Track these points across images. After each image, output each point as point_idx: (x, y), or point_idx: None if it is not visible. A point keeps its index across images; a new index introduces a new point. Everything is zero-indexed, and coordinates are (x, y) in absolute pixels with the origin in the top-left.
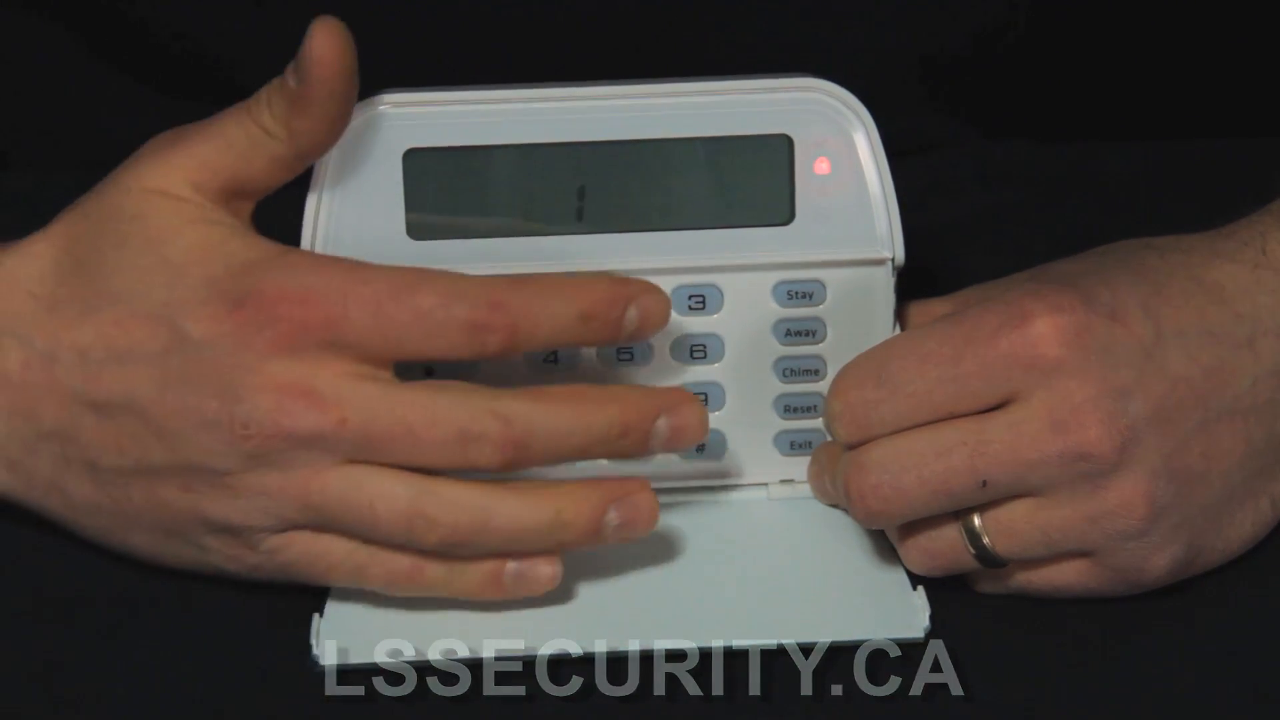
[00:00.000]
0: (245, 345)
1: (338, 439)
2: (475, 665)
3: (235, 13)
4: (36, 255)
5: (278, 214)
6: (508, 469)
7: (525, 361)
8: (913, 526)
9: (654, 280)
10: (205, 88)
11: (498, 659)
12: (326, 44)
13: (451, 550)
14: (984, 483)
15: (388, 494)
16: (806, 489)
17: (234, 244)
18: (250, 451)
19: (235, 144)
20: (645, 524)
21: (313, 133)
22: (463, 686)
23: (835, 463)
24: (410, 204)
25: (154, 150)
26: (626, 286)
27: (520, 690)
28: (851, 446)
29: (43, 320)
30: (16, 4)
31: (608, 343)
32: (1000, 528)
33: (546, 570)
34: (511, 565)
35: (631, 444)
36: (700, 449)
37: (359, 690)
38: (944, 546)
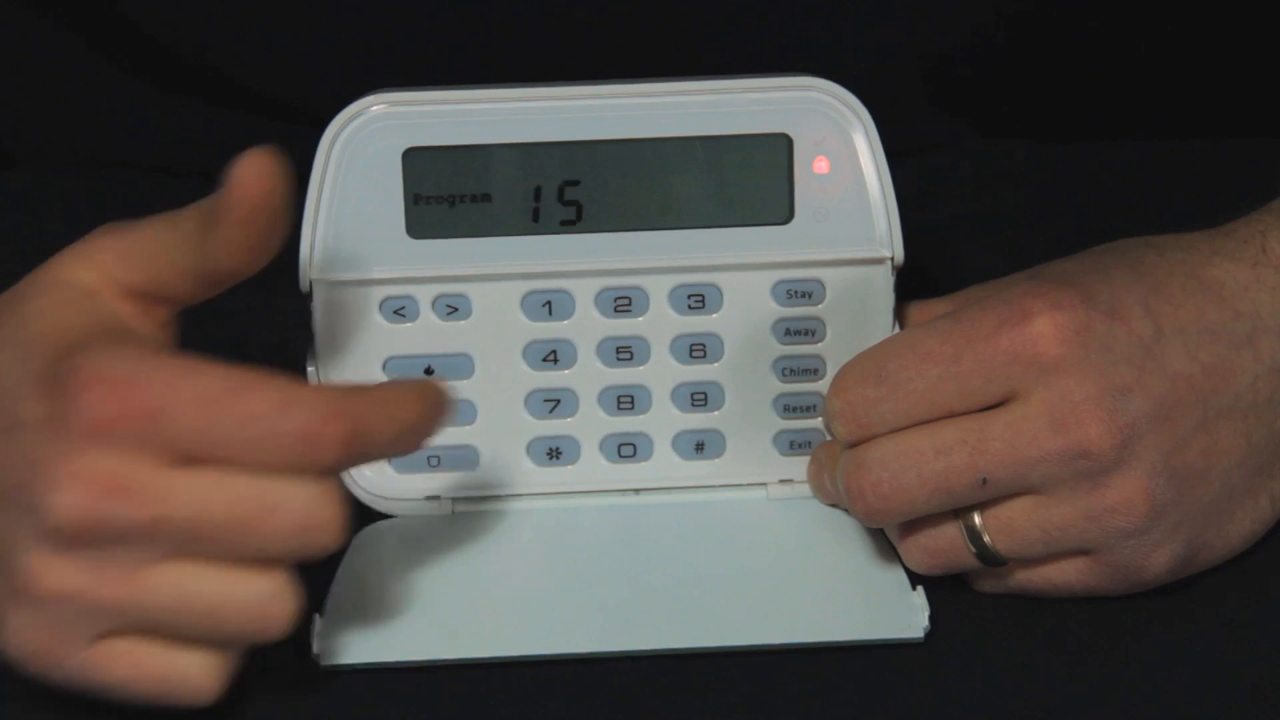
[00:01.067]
0: (63, 430)
1: (155, 535)
2: (475, 666)
3: (238, 12)
4: None
5: None
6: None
7: (526, 361)
8: (913, 525)
9: (653, 280)
10: (207, 87)
11: (497, 660)
12: (252, 174)
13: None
14: (984, 480)
15: (230, 593)
16: (806, 489)
17: (80, 330)
18: (60, 546)
19: (153, 245)
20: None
21: (220, 257)
22: (462, 687)
23: (835, 461)
24: (410, 202)
25: (86, 239)
26: (439, 393)
27: (519, 691)
28: (851, 445)
29: None
30: (17, 3)
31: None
32: (1000, 526)
33: None
34: None
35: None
36: (700, 448)
37: (359, 690)
38: (944, 545)
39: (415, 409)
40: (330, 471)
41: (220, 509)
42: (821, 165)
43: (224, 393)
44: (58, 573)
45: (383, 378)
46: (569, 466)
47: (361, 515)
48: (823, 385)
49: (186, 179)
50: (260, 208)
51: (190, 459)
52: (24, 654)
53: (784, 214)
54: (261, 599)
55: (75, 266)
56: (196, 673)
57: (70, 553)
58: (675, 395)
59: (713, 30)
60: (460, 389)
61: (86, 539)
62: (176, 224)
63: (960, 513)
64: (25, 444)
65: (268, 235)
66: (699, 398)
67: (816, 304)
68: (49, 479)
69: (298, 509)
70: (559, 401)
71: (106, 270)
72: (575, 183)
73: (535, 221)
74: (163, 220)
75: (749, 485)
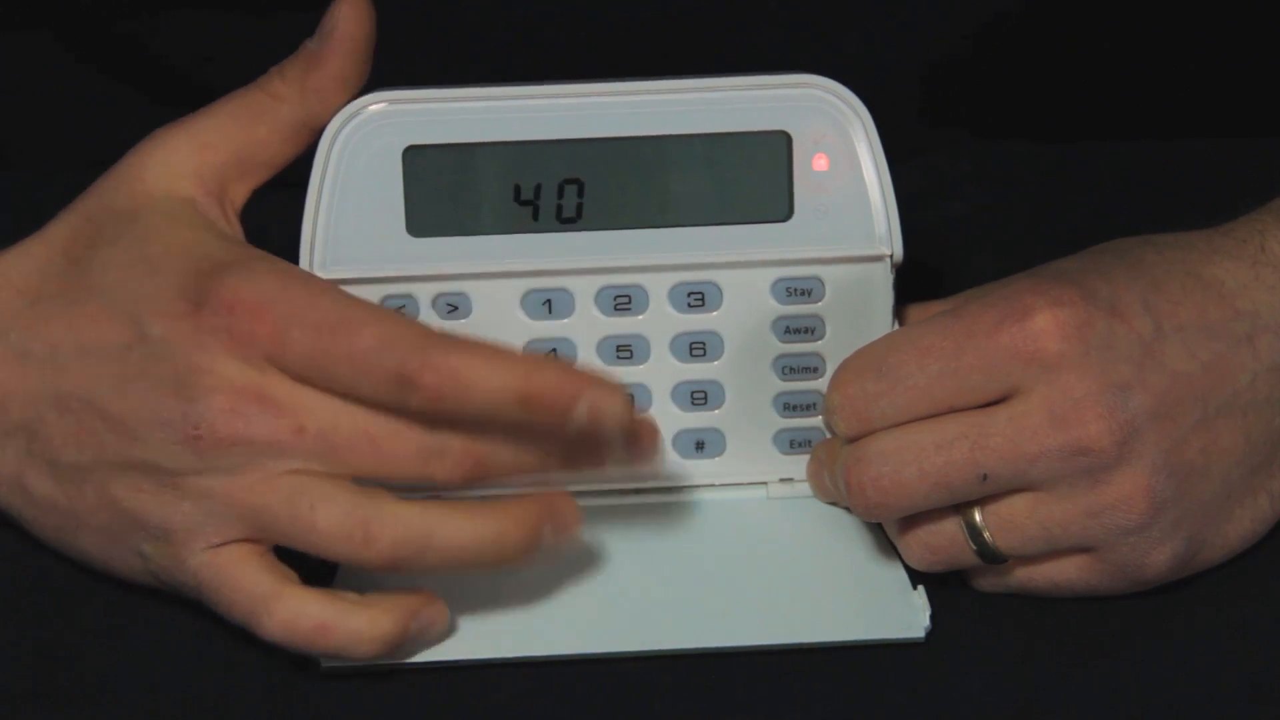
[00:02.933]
0: (201, 346)
1: (293, 447)
2: (475, 667)
3: (233, 27)
4: (31, 254)
5: (280, 211)
6: (465, 485)
7: None
8: (913, 521)
9: (652, 278)
10: (201, 99)
11: (497, 661)
12: (350, 10)
13: (387, 570)
14: (984, 476)
15: (331, 501)
16: (806, 488)
17: (210, 245)
18: (201, 452)
19: (239, 115)
20: (571, 532)
21: (324, 91)
22: (462, 687)
23: (835, 458)
24: (410, 201)
25: (156, 143)
26: (578, 381)
27: (519, 692)
28: (851, 440)
29: (23, 315)
30: (14, 14)
31: (552, 429)
32: (1000, 522)
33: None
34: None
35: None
36: (700, 447)
37: (359, 691)
38: (944, 541)
39: (518, 382)
40: (426, 413)
41: (351, 424)
42: (821, 163)
43: (335, 326)
44: (197, 480)
45: None
46: None
47: None
48: (823, 383)
49: None
50: (361, 39)
51: (310, 381)
52: (155, 556)
53: (783, 211)
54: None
55: (164, 179)
56: (286, 616)
57: (208, 457)
58: (675, 394)
59: (712, 35)
60: None
61: (228, 444)
62: (258, 89)
63: (960, 509)
64: (157, 359)
65: (362, 70)
66: (699, 396)
67: (816, 302)
68: (193, 390)
69: (418, 434)
70: None
71: (192, 171)
72: (575, 181)
73: (535, 220)
74: (236, 96)
75: (749, 484)
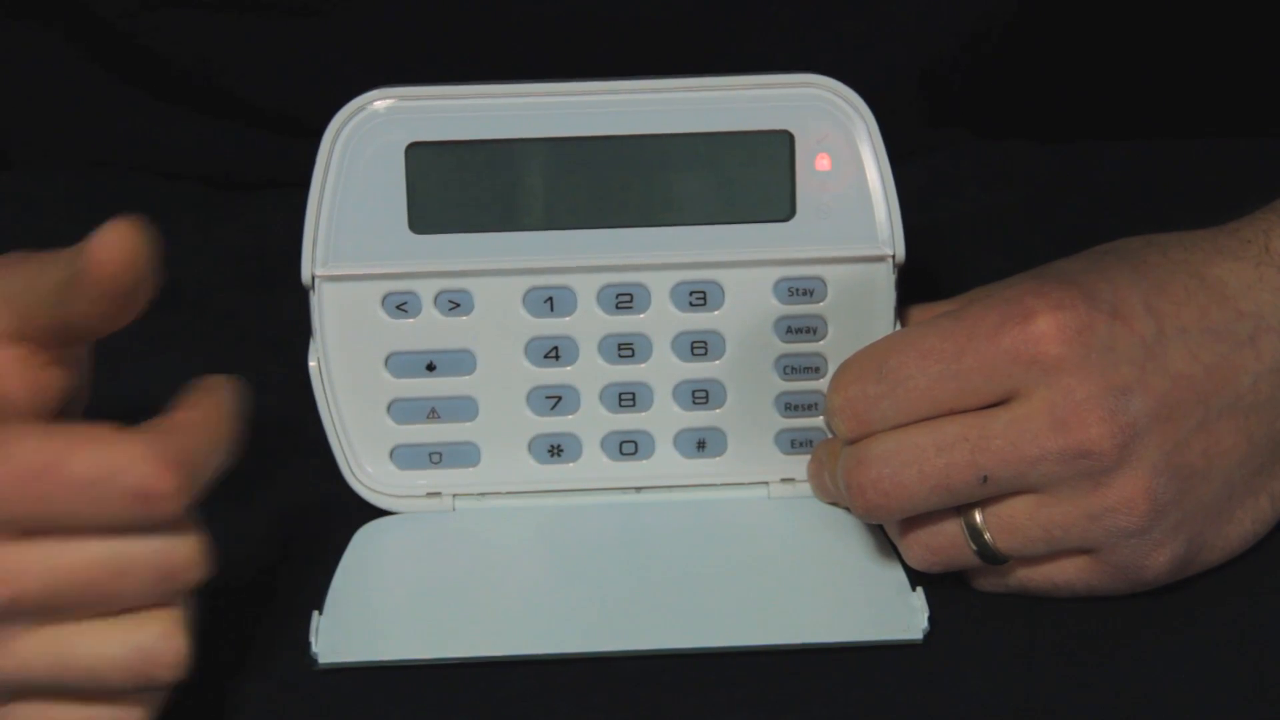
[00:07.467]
0: None
1: (14, 611)
2: (474, 665)
3: (235, 26)
4: None
5: (282, 208)
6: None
7: (528, 358)
8: (913, 522)
9: (654, 276)
10: (199, 97)
11: (497, 659)
12: (110, 246)
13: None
14: (985, 478)
15: (103, 650)
16: (807, 488)
17: None
18: None
19: (25, 294)
20: None
21: (77, 315)
22: (461, 687)
23: (835, 459)
24: (413, 197)
25: None
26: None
27: (519, 690)
28: (851, 442)
29: None
30: (16, 10)
31: None
32: (1001, 524)
33: None
34: None
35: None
36: (702, 447)
37: (359, 690)
38: (945, 542)
39: (227, 420)
40: (174, 521)
41: (70, 577)
42: (823, 162)
43: (46, 465)
44: None
45: (385, 374)
46: (570, 464)
47: (362, 511)
48: (824, 383)
49: (184, 180)
50: (117, 280)
51: (34, 531)
52: None
53: (786, 211)
54: (143, 648)
55: None
56: None
57: None
58: (676, 393)
59: (714, 34)
60: (462, 385)
61: None
62: (45, 271)
63: (961, 510)
64: None
65: (124, 305)
66: (700, 395)
67: (818, 302)
68: None
69: (151, 561)
70: (560, 398)
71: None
72: (577, 179)
73: (537, 217)
74: (35, 263)
75: (750, 484)
